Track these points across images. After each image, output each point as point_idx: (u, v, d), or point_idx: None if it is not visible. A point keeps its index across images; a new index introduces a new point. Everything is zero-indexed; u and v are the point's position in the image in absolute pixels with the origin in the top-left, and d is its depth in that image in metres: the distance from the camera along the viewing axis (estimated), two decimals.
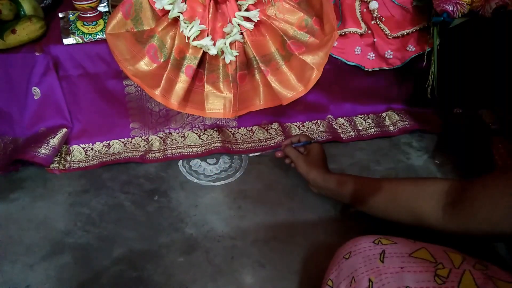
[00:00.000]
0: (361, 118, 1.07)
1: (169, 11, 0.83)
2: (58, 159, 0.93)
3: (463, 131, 1.03)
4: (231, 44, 0.86)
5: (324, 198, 0.87)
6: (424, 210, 0.61)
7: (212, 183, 0.91)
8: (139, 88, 0.93)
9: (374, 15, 0.96)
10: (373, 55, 0.97)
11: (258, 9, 0.86)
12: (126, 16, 0.85)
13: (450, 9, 0.87)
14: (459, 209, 0.56)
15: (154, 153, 0.96)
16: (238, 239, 0.78)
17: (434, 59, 0.94)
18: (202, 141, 1.00)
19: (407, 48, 0.96)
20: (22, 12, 0.89)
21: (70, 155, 0.94)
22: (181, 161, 0.96)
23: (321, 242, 0.78)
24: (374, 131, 1.04)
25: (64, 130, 0.93)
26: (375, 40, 0.95)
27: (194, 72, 0.86)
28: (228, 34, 0.86)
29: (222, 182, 0.91)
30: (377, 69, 0.98)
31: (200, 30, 0.84)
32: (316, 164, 0.81)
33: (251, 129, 1.03)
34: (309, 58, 0.87)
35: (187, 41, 0.84)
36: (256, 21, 0.87)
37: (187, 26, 0.83)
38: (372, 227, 0.82)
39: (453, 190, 0.59)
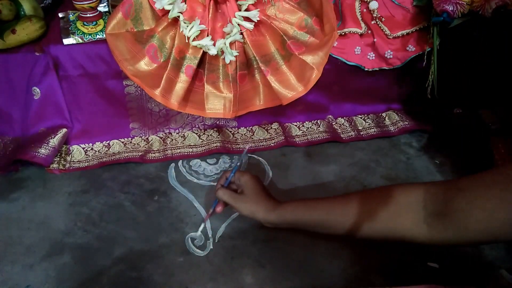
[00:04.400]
0: (361, 118, 1.07)
1: (169, 11, 0.83)
2: (58, 159, 0.93)
3: (463, 131, 1.03)
4: (231, 44, 0.86)
5: None
6: (405, 227, 0.55)
7: (212, 183, 0.91)
8: (139, 88, 0.93)
9: (374, 15, 0.96)
10: (373, 55, 0.97)
11: (258, 9, 0.86)
12: (126, 16, 0.85)
13: (450, 9, 0.87)
14: (447, 222, 0.51)
15: (154, 153, 0.96)
16: (238, 239, 0.78)
17: (434, 59, 0.94)
18: (202, 141, 1.00)
19: (407, 48, 0.96)
20: (22, 12, 0.89)
21: (70, 155, 0.94)
22: (181, 161, 0.96)
23: (321, 242, 0.78)
24: (374, 131, 1.04)
25: (64, 130, 0.92)
26: (375, 40, 0.95)
27: (194, 72, 0.86)
28: (228, 34, 0.86)
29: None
30: (377, 69, 0.98)
31: (200, 30, 0.84)
32: (258, 199, 0.71)
33: (251, 129, 1.03)
34: (309, 58, 0.87)
35: (187, 41, 0.84)
36: (256, 21, 0.87)
37: (187, 26, 0.83)
38: None
39: (432, 198, 0.53)
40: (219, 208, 0.77)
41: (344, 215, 0.63)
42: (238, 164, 0.80)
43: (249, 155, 0.98)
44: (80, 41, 0.87)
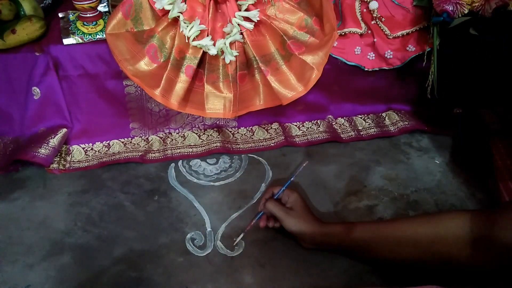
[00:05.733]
0: (361, 118, 1.07)
1: (169, 11, 0.83)
2: (58, 159, 0.93)
3: (463, 131, 1.03)
4: (231, 44, 0.86)
5: (324, 198, 0.87)
6: (450, 249, 0.57)
7: (212, 183, 0.91)
8: (139, 88, 0.93)
9: (374, 15, 0.96)
10: (373, 55, 0.97)
11: (258, 9, 0.86)
12: (126, 16, 0.85)
13: (450, 9, 0.87)
14: (490, 244, 0.52)
15: (154, 153, 0.96)
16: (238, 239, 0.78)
17: (434, 59, 0.94)
18: (202, 141, 1.00)
19: (407, 48, 0.96)
20: (22, 12, 0.89)
21: (70, 155, 0.94)
22: (181, 161, 0.96)
23: None
24: (374, 131, 1.04)
25: (64, 130, 0.92)
26: (375, 40, 0.95)
27: (194, 72, 0.86)
28: (228, 34, 0.86)
29: (222, 182, 0.91)
30: (377, 69, 0.98)
31: (200, 30, 0.84)
32: (306, 217, 0.72)
33: (251, 129, 1.03)
34: (309, 58, 0.87)
35: (187, 41, 0.84)
36: (256, 21, 0.87)
37: (187, 26, 0.83)
38: None
39: (477, 222, 0.55)
40: (262, 223, 0.76)
41: (390, 237, 0.64)
42: (292, 179, 0.81)
43: (249, 155, 0.98)
44: (80, 41, 0.87)
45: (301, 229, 0.71)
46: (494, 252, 0.52)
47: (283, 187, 0.78)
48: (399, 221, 0.70)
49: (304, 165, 0.83)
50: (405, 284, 0.58)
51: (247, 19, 0.86)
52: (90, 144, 0.96)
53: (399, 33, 0.96)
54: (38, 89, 0.88)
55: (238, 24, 0.86)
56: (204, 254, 0.75)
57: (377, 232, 0.66)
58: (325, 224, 0.72)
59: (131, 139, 0.99)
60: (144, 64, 0.85)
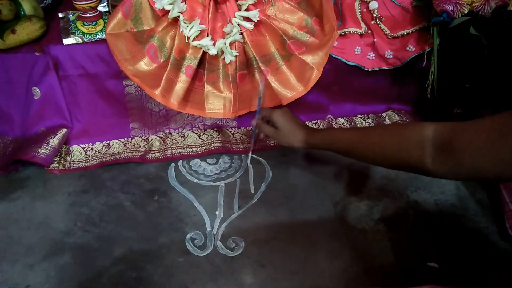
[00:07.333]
0: (361, 118, 1.07)
1: (169, 11, 0.83)
2: (58, 159, 0.93)
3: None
4: (231, 44, 0.86)
5: (324, 198, 0.87)
6: (413, 160, 0.62)
7: (212, 183, 0.91)
8: (139, 88, 0.93)
9: (374, 15, 0.96)
10: (373, 55, 0.97)
11: (258, 9, 0.86)
12: (126, 16, 0.85)
13: (450, 9, 0.87)
14: (448, 158, 0.56)
15: (154, 153, 0.96)
16: (238, 239, 0.78)
17: (434, 59, 0.94)
18: (202, 141, 1.00)
19: (407, 48, 0.96)
20: (22, 12, 0.89)
21: (70, 155, 0.94)
22: (181, 161, 0.96)
23: (321, 242, 0.78)
24: None
25: (64, 130, 0.93)
26: (375, 40, 0.95)
27: (194, 72, 0.86)
28: (228, 34, 0.86)
29: (222, 182, 0.91)
30: (377, 69, 0.98)
31: (200, 30, 0.84)
32: (292, 132, 0.80)
33: (251, 129, 1.03)
34: (309, 58, 0.87)
35: (187, 41, 0.84)
36: (256, 21, 0.87)
37: (187, 26, 0.83)
38: (373, 228, 0.82)
39: (438, 136, 0.59)
40: (262, 135, 0.88)
41: (366, 145, 0.71)
42: (261, 98, 0.86)
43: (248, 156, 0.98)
44: (80, 41, 0.87)
45: (292, 145, 0.81)
46: (453, 162, 0.56)
47: (257, 110, 0.86)
48: (369, 129, 0.81)
49: (263, 83, 0.88)
50: (405, 284, 0.58)
51: (247, 19, 0.86)
52: (90, 144, 0.97)
53: (399, 33, 0.96)
54: (38, 89, 0.88)
55: (238, 24, 0.86)
56: (204, 254, 0.75)
57: (350, 140, 0.74)
58: (310, 136, 0.79)
59: (131, 139, 0.99)
60: (144, 64, 0.85)
